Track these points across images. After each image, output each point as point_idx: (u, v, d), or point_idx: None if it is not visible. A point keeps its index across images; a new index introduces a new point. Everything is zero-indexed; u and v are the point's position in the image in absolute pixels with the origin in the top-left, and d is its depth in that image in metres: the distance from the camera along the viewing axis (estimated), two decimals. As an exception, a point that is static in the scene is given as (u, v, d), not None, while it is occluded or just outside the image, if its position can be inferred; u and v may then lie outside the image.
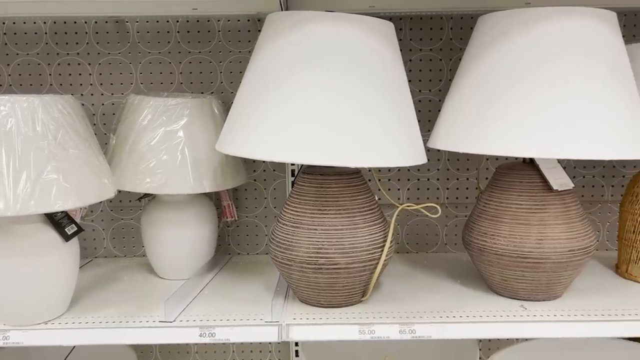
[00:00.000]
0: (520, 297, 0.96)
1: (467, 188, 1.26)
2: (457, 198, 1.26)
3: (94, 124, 1.23)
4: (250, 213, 1.26)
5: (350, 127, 0.82)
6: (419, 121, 1.24)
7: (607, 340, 1.09)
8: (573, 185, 0.94)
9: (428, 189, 1.26)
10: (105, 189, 0.88)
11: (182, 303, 0.94)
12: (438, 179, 1.26)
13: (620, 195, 1.26)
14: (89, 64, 1.21)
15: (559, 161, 0.98)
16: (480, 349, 1.32)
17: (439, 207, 0.94)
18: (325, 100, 0.82)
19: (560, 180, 0.93)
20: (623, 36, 1.15)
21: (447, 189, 1.26)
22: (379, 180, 1.26)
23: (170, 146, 0.98)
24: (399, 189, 1.26)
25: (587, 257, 0.93)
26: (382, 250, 0.91)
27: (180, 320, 0.88)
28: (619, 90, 0.85)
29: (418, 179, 1.26)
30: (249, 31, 1.20)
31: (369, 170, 1.07)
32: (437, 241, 1.29)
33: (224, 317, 0.90)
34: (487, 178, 1.26)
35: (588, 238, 0.93)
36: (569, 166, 1.25)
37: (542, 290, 0.94)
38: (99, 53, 1.21)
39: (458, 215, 1.27)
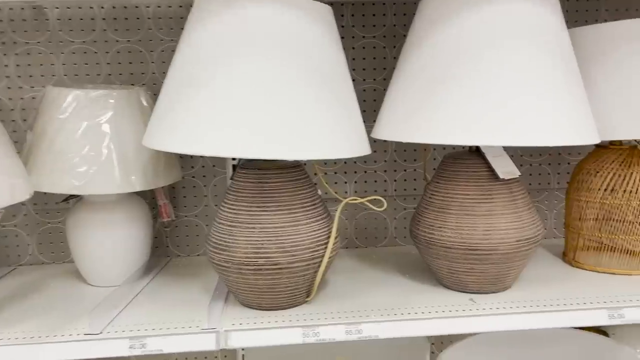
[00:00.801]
0: (470, 290, 0.94)
1: (414, 179, 1.24)
2: (405, 190, 1.24)
3: (13, 121, 1.13)
4: (189, 212, 1.19)
5: (288, 117, 0.77)
6: (363, 111, 1.20)
7: (558, 330, 1.09)
8: (520, 174, 0.92)
9: (375, 181, 1.23)
10: (18, 190, 0.80)
11: (110, 312, 0.87)
12: (385, 171, 1.22)
13: (566, 182, 1.27)
14: (5, 54, 1.11)
15: (505, 149, 0.96)
16: (432, 343, 1.30)
17: (384, 200, 0.90)
18: (260, 88, 0.76)
19: (506, 169, 0.91)
20: (566, 21, 1.15)
21: (395, 180, 1.23)
22: (325, 173, 1.21)
23: (93, 141, 0.91)
24: (345, 182, 1.22)
25: (535, 247, 0.91)
26: (326, 248, 0.87)
27: (108, 332, 0.81)
28: (564, 75, 0.84)
29: (365, 171, 1.22)
30: (181, 18, 1.13)
31: (315, 164, 1.03)
32: (386, 235, 1.26)
33: (157, 325, 0.83)
34: (434, 169, 1.24)
35: (535, 227, 0.91)
36: (515, 154, 1.25)
37: (492, 282, 0.92)
38: (15, 42, 1.11)
39: (407, 207, 1.25)
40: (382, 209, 0.92)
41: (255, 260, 0.82)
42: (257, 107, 0.76)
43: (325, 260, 0.86)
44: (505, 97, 0.80)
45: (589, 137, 0.83)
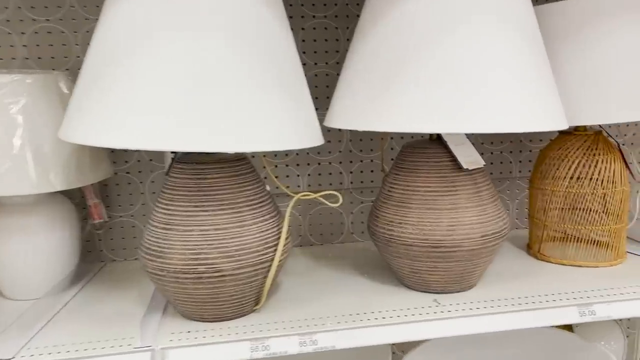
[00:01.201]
0: (433, 290, 0.87)
1: (372, 171, 1.16)
2: (362, 182, 1.16)
3: None
4: (124, 212, 1.08)
5: (229, 104, 0.67)
6: (315, 98, 1.11)
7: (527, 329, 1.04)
8: (484, 164, 0.86)
9: (330, 173, 1.14)
10: None
11: (27, 332, 0.75)
12: (341, 162, 1.14)
13: (528, 170, 1.22)
14: None
15: (467, 137, 0.90)
16: (394, 344, 1.23)
17: (339, 195, 0.82)
18: (195, 71, 0.66)
19: (470, 158, 0.84)
20: None
21: (351, 172, 1.15)
22: (275, 166, 1.12)
23: (3, 134, 0.79)
24: (298, 175, 1.13)
25: (501, 241, 0.85)
26: (276, 250, 0.78)
27: (22, 356, 0.70)
28: (530, 56, 0.77)
29: (319, 163, 1.14)
30: (109, -6, 1.01)
31: (263, 157, 0.94)
32: (343, 230, 1.18)
33: (82, 345, 0.73)
34: (392, 159, 1.16)
35: (501, 221, 0.85)
36: (475, 142, 1.19)
37: (456, 281, 0.86)
38: None
39: (364, 200, 1.17)
40: (337, 204, 0.84)
41: (195, 267, 0.73)
42: (192, 92, 0.66)
43: (275, 264, 0.77)
44: (468, 80, 0.73)
45: (557, 123, 0.77)
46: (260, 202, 0.79)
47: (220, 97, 0.67)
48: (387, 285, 0.92)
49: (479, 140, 1.19)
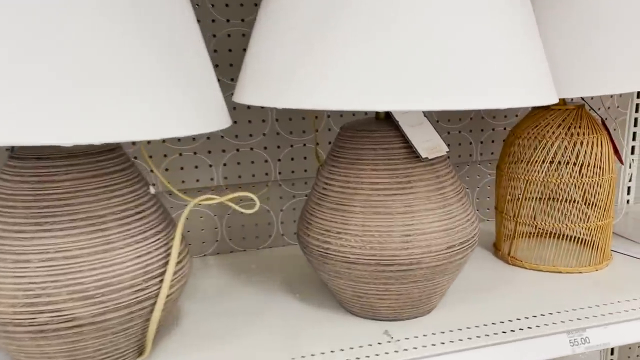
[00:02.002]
0: (383, 318, 0.67)
1: (305, 157, 0.95)
2: (293, 172, 0.94)
3: None
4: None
5: (91, 76, 0.43)
6: (229, 65, 0.88)
7: None
8: (447, 150, 0.66)
9: (252, 162, 0.92)
10: None
11: None
12: (265, 148, 0.92)
13: (490, 153, 1.04)
14: None
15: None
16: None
17: (255, 198, 0.60)
18: (39, 28, 0.42)
19: (430, 144, 0.64)
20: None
21: (279, 160, 0.93)
22: (180, 154, 0.88)
23: None
24: (210, 166, 0.90)
25: (471, 252, 0.66)
26: (163, 280, 0.55)
27: None
28: (510, 9, 0.57)
29: (237, 150, 0.91)
30: None
31: (143, 146, 0.70)
32: (271, 232, 0.96)
33: None
34: (330, 143, 0.95)
35: (471, 225, 0.66)
36: (429, 120, 0.99)
37: (413, 306, 0.66)
38: None
39: (296, 195, 0.96)
40: (252, 210, 0.62)
41: (33, 316, 0.49)
42: (36, 59, 0.41)
43: (162, 301, 0.55)
44: (429, 37, 0.51)
45: (547, 96, 0.58)
46: (139, 213, 0.56)
47: (81, 68, 0.42)
48: (325, 309, 0.72)
49: (433, 118, 0.99)
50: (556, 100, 0.59)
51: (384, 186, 0.62)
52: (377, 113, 0.68)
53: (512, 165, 0.83)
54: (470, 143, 1.02)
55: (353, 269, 0.62)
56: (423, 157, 0.62)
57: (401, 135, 0.64)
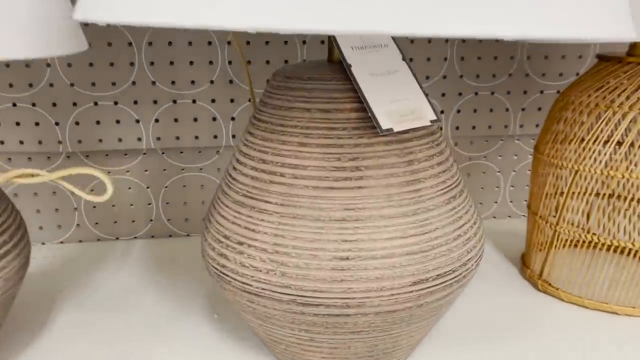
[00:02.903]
0: (317, 374, 0.44)
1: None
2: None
3: None
4: None
5: None
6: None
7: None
8: (435, 118, 0.40)
9: (196, 120, 0.69)
10: None
11: None
12: (214, 101, 0.69)
13: (535, 125, 0.76)
14: None
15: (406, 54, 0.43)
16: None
17: (107, 180, 0.37)
18: None
19: (401, 106, 0.39)
20: None
21: (233, 119, 0.70)
22: (32, 105, 0.66)
23: None
24: (137, 122, 0.68)
25: (462, 285, 0.41)
26: None
27: None
28: None
29: (174, 101, 0.68)
30: None
31: None
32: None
33: None
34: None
35: (464, 244, 0.40)
36: (435, 66, 0.72)
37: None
38: None
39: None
40: (102, 198, 0.39)
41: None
42: None
43: None
44: None
45: (621, 27, 0.31)
46: None
47: None
48: (245, 346, 0.49)
49: (453, 69, 0.72)
50: (633, 36, 0.32)
51: (315, 173, 0.38)
52: (329, 49, 0.43)
53: (558, 146, 0.56)
54: (507, 110, 0.74)
55: (257, 303, 0.39)
56: (384, 128, 0.37)
57: (354, 90, 0.39)
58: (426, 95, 0.41)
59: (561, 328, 0.52)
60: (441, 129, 0.43)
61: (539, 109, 0.75)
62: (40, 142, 0.67)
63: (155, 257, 0.68)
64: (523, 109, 0.75)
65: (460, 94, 0.73)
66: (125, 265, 0.65)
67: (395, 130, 0.37)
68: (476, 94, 0.73)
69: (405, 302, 0.38)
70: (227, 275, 0.40)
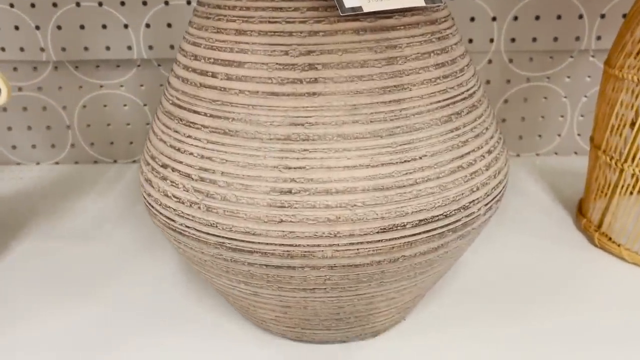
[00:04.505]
0: (280, 335, 0.36)
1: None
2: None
3: None
4: None
5: None
6: None
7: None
8: (438, 0, 0.29)
9: (198, 25, 0.60)
10: None
11: None
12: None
13: (608, 37, 0.60)
14: None
15: None
16: None
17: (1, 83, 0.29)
18: None
19: (376, -24, 0.27)
20: None
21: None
22: None
23: None
24: (126, 27, 0.59)
25: (462, 235, 0.31)
26: None
27: None
28: None
29: (166, 3, 0.59)
30: None
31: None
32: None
33: None
34: None
35: (470, 178, 0.29)
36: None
37: (328, 327, 0.33)
38: None
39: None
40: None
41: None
42: None
43: None
44: None
45: None
46: None
47: None
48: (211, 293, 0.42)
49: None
50: None
51: (254, 72, 0.27)
52: None
53: (632, 61, 0.42)
54: (581, 16, 0.59)
55: (184, 245, 0.31)
56: (347, 6, 0.26)
57: (316, -46, 0.27)
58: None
59: (620, 294, 0.40)
60: (448, 18, 0.31)
61: (624, 15, 0.59)
62: (22, 49, 0.60)
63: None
64: (602, 16, 0.59)
65: (516, -5, 0.58)
66: (112, 192, 0.59)
67: (366, 10, 0.26)
68: (540, -5, 0.58)
69: (371, 254, 0.28)
70: (152, 207, 0.31)
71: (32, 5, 0.58)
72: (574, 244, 0.47)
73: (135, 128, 0.65)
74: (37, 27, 0.59)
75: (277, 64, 0.27)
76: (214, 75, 0.29)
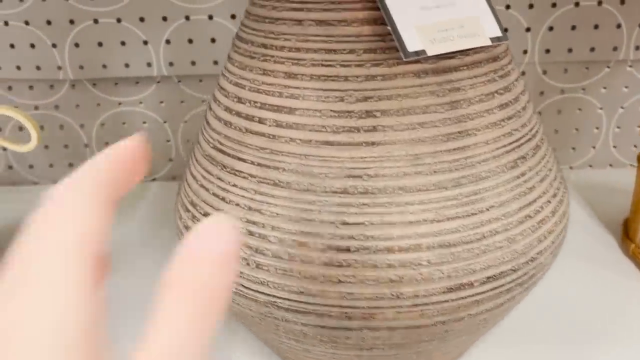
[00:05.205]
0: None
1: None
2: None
3: None
4: None
5: None
6: None
7: None
8: (502, 39, 0.26)
9: (214, 40, 0.57)
10: None
11: None
12: (234, 17, 0.56)
13: (656, 46, 0.58)
14: None
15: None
16: None
17: (28, 123, 0.28)
18: None
19: (439, 13, 0.25)
20: None
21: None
22: None
23: None
24: (146, 43, 0.57)
25: (529, 287, 0.29)
26: None
27: None
28: None
29: (187, 18, 0.56)
30: None
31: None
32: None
33: None
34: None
35: (543, 226, 0.27)
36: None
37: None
38: None
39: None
40: (27, 148, 0.30)
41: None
42: None
43: None
44: None
45: None
46: None
47: None
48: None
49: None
50: None
51: (307, 119, 0.25)
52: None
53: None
54: (619, 25, 0.57)
55: (229, 300, 0.29)
56: (410, 50, 0.24)
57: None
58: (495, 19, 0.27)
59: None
60: (508, 52, 0.29)
61: (666, 23, 0.57)
62: (38, 68, 0.58)
63: (173, 202, 0.59)
64: (641, 25, 0.57)
65: (554, 4, 0.56)
66: (134, 214, 0.57)
67: (430, 53, 0.24)
68: (577, 4, 0.56)
69: (437, 315, 0.26)
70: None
71: (49, 23, 0.56)
72: (621, 272, 0.45)
73: (155, 146, 0.63)
74: (54, 45, 0.57)
75: (331, 110, 0.25)
76: (261, 121, 0.27)
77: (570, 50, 0.58)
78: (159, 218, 0.56)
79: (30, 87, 0.61)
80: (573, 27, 0.57)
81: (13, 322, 0.12)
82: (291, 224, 0.25)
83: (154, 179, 0.65)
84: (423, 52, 0.24)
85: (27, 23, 0.56)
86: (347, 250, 0.25)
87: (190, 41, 0.57)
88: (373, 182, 0.25)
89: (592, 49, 0.58)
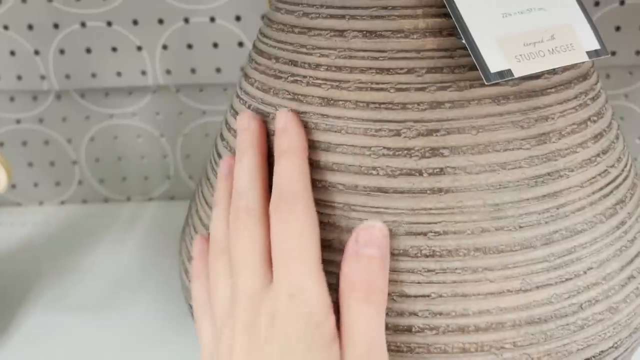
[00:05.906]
0: None
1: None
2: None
3: None
4: None
5: None
6: None
7: None
8: (602, 52, 0.21)
9: (216, 45, 0.52)
10: None
11: None
12: (239, 19, 0.51)
13: None
14: None
15: None
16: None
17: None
18: None
19: (524, 22, 0.20)
20: None
21: (272, 43, 0.52)
22: None
23: None
24: (140, 49, 0.51)
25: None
26: None
27: None
28: None
29: (186, 20, 0.51)
30: None
31: None
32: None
33: None
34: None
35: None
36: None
37: None
38: None
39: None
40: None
41: None
42: None
43: None
44: None
45: None
46: None
47: None
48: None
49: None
50: None
51: (352, 159, 0.20)
52: None
53: None
54: (667, 26, 0.51)
55: None
56: (493, 71, 0.18)
57: (450, 16, 0.20)
58: (585, 14, 0.21)
59: None
60: (595, 68, 0.23)
61: None
62: (19, 78, 0.52)
63: (172, 225, 0.53)
64: (694, 25, 0.51)
65: (597, 3, 0.50)
66: (128, 239, 0.52)
67: (517, 74, 0.18)
68: (622, 3, 0.50)
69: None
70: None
71: (30, 27, 0.50)
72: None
73: (151, 161, 0.58)
74: (37, 52, 0.51)
75: (384, 147, 0.20)
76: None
77: (613, 54, 0.52)
78: (158, 244, 0.51)
79: (11, 99, 0.55)
80: (617, 28, 0.51)
81: None
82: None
83: (150, 199, 0.59)
84: (509, 72, 0.18)
85: (6, 28, 0.50)
86: (409, 330, 0.19)
87: (189, 46, 0.51)
88: (441, 241, 0.19)
89: (638, 52, 0.52)
